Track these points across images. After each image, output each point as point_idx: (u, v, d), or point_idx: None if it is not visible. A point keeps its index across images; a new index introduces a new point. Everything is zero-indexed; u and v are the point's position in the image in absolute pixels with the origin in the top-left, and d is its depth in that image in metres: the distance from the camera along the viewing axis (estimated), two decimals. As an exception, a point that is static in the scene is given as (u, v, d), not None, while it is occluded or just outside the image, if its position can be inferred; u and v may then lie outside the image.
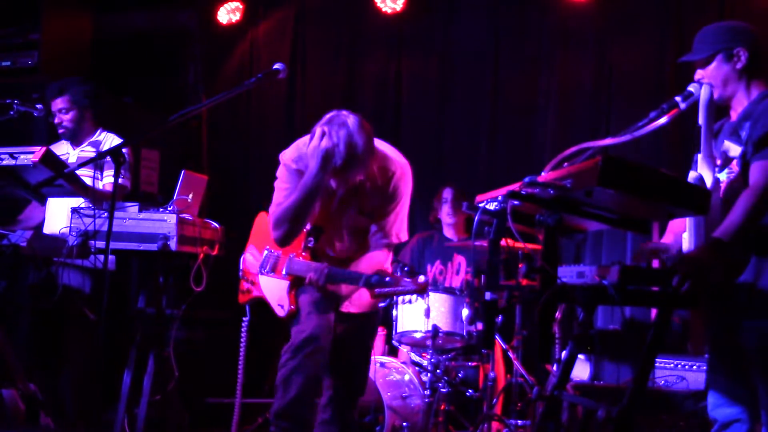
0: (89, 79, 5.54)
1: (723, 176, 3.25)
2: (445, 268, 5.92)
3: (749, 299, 3.10)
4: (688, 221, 3.16)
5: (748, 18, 3.67)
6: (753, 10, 5.93)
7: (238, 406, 4.95)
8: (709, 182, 3.17)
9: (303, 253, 3.97)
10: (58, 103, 5.32)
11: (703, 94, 3.22)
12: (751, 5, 5.98)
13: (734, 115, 3.33)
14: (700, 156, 3.22)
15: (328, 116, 3.64)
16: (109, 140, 5.38)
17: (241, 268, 4.34)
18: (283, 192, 3.87)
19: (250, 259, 4.29)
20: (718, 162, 3.27)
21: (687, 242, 3.16)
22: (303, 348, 3.82)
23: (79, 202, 4.77)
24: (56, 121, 5.33)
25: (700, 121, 3.22)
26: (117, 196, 3.96)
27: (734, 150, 3.22)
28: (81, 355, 5.03)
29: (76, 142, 5.38)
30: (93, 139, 5.39)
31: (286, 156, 3.91)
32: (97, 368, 5.00)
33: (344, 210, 3.88)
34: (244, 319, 4.69)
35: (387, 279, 3.64)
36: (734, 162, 3.22)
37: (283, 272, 3.98)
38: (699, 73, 3.34)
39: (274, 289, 4.04)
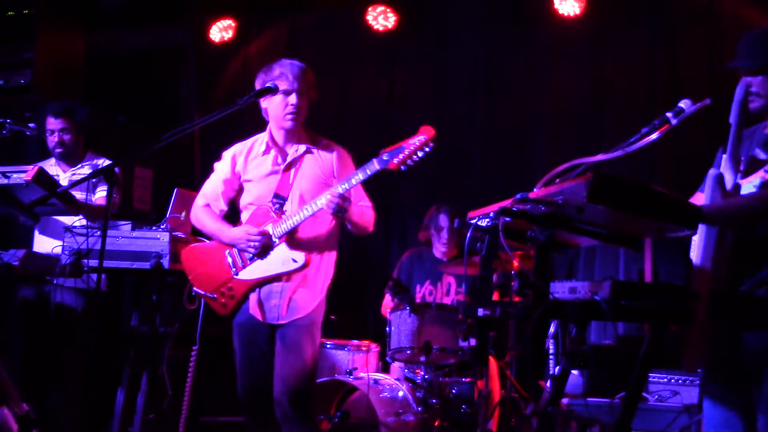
0: (85, 102, 5.53)
1: (749, 187, 3.21)
2: (435, 288, 5.91)
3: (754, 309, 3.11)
4: (699, 227, 3.13)
5: (738, 33, 3.66)
6: (742, 25, 5.97)
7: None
8: (729, 184, 3.15)
9: (274, 215, 4.21)
10: (59, 124, 5.28)
11: (738, 92, 3.18)
12: (741, 20, 6.02)
13: None
14: (724, 156, 3.20)
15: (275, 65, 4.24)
16: (101, 163, 5.36)
17: (200, 296, 4.36)
18: (211, 182, 4.39)
19: (201, 279, 4.32)
20: (741, 167, 3.25)
21: (696, 248, 3.15)
22: (245, 403, 4.25)
23: (72, 221, 4.77)
24: (55, 139, 5.29)
25: (731, 119, 3.18)
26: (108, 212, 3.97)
27: (762, 157, 3.19)
28: (74, 374, 5.02)
29: (69, 163, 5.36)
30: (86, 162, 5.37)
31: (236, 145, 4.40)
32: (90, 387, 4.99)
33: (298, 177, 4.21)
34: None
35: (396, 149, 3.92)
36: (763, 170, 3.18)
37: (275, 240, 4.15)
38: (747, 81, 3.25)
39: (273, 261, 4.15)
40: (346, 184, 4.00)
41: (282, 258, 4.13)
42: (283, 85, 4.14)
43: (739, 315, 3.14)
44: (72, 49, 7.17)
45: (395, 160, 3.91)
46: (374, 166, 3.95)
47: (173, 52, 7.72)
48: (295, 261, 4.10)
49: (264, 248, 4.15)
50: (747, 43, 3.29)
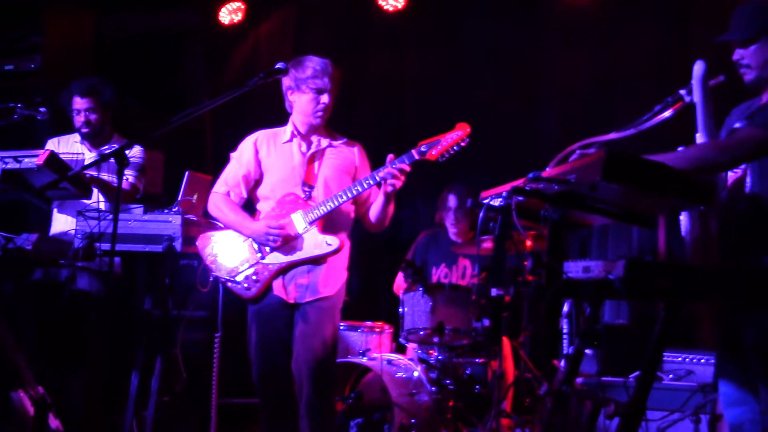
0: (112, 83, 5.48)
1: None
2: (450, 271, 5.90)
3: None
4: None
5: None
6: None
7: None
8: None
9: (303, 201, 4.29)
10: (85, 103, 5.26)
11: (696, 70, 3.15)
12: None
13: (766, 98, 3.24)
14: (698, 135, 3.17)
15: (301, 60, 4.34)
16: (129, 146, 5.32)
17: (220, 281, 4.36)
18: (233, 167, 4.41)
19: (221, 264, 4.31)
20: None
21: (684, 227, 3.13)
22: (260, 390, 4.28)
23: (84, 205, 4.77)
24: (81, 119, 5.27)
25: (695, 98, 3.15)
26: (130, 197, 3.97)
27: (739, 126, 3.16)
28: (88, 358, 5.03)
29: (95, 144, 5.34)
30: (113, 143, 5.33)
31: (259, 132, 4.45)
32: (105, 370, 5.01)
33: (322, 167, 4.33)
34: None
35: (434, 141, 4.13)
36: None
37: (305, 227, 4.20)
38: (738, 54, 3.23)
39: (306, 245, 4.20)
40: (390, 168, 4.12)
41: (315, 242, 4.19)
42: (315, 84, 4.26)
43: (742, 290, 3.11)
44: (81, 32, 7.17)
45: (434, 152, 4.12)
46: (413, 156, 4.13)
47: (183, 34, 7.71)
48: (329, 244, 4.18)
49: (284, 242, 4.20)
50: (738, 16, 3.25)
